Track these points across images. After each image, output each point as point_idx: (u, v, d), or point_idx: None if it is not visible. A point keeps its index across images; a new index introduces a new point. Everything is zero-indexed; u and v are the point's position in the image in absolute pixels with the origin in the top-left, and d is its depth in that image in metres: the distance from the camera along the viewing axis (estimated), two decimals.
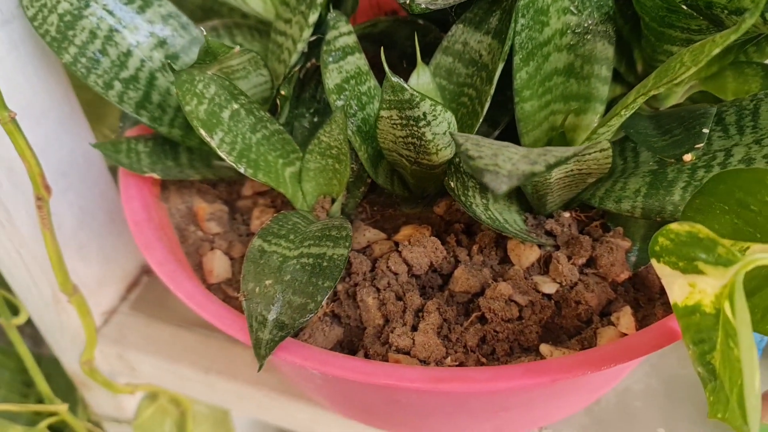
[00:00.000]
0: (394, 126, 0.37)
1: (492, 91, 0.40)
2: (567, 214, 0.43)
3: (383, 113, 0.36)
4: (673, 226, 0.31)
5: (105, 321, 0.59)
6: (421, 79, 0.41)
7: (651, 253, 0.33)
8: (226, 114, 0.38)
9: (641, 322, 0.40)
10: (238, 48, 0.37)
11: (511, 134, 0.43)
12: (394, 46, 0.47)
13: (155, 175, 0.44)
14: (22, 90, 0.45)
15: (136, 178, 0.45)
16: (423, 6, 0.33)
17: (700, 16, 0.35)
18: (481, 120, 0.41)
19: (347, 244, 0.37)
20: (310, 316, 0.34)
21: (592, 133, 0.37)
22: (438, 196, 0.46)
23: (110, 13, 0.42)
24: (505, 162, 0.28)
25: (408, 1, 0.33)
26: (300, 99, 0.45)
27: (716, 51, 0.30)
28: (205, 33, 0.35)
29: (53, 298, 0.53)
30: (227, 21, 0.50)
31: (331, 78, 0.40)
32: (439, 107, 0.35)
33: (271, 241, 0.38)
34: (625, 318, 0.39)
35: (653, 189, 0.40)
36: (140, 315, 0.60)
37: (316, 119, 0.45)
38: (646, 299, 0.42)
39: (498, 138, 0.44)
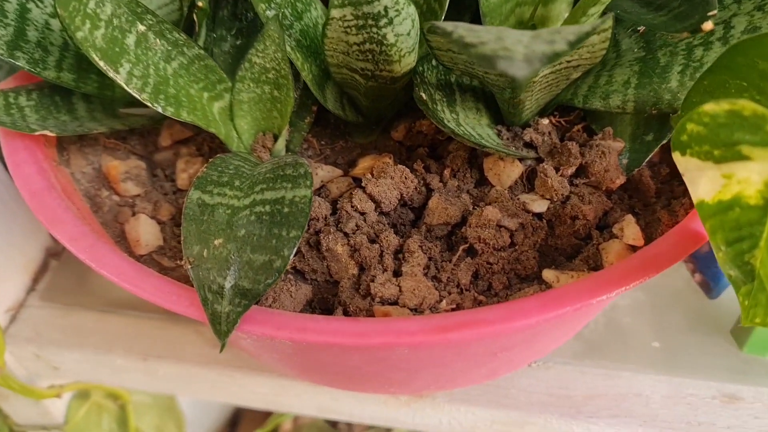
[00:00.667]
0: (348, 30, 0.30)
1: None
2: (545, 121, 0.38)
3: (334, 12, 0.29)
4: (708, 107, 0.26)
5: (12, 318, 0.50)
6: None
7: (675, 145, 0.28)
8: (130, 40, 0.30)
9: (645, 230, 0.35)
10: None
11: None
12: None
13: (48, 133, 0.35)
14: None
15: (24, 139, 0.36)
16: None
17: None
18: (442, 19, 0.34)
19: (308, 183, 0.30)
20: (278, 275, 0.28)
21: (579, 15, 0.31)
22: (393, 120, 0.40)
23: None
24: (515, 44, 0.22)
25: None
26: (217, 19, 0.37)
27: None
28: None
29: None
30: None
31: None
32: (402, 0, 0.28)
33: (212, 192, 0.30)
34: (630, 228, 0.34)
35: (645, 78, 0.35)
36: (54, 305, 0.51)
37: (239, 41, 0.37)
38: (642, 205, 0.37)
39: None
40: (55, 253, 0.53)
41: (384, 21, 0.29)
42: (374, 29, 0.29)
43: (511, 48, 0.21)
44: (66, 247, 0.32)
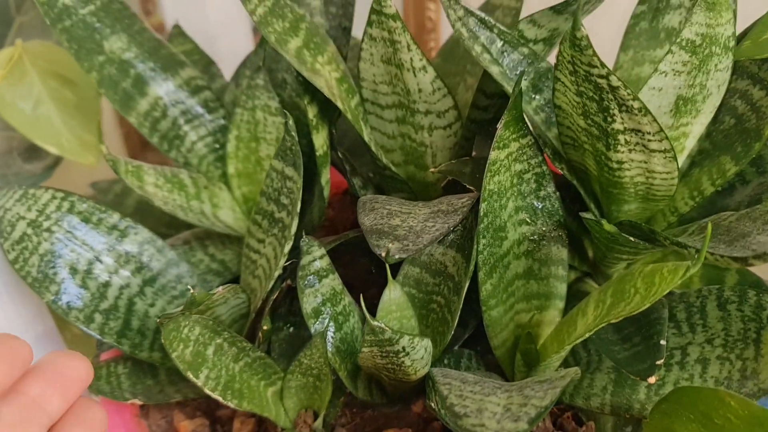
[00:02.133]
0: (375, 357, 0.39)
1: (461, 304, 0.42)
2: None
3: (365, 350, 0.38)
4: None
5: None
6: (393, 294, 0.43)
7: None
8: (210, 351, 0.40)
9: None
10: (219, 289, 0.39)
11: (480, 333, 0.45)
12: (362, 252, 0.50)
13: (137, 401, 0.44)
14: None
15: (117, 403, 0.45)
16: (396, 257, 0.36)
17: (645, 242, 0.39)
18: (453, 329, 0.43)
19: None
20: None
21: (564, 340, 0.40)
22: (414, 395, 0.48)
23: (90, 247, 0.44)
24: (490, 420, 0.30)
25: (384, 255, 0.36)
26: (276, 314, 0.47)
27: (670, 288, 0.33)
28: (191, 289, 0.37)
29: None
30: (198, 231, 0.52)
31: (308, 302, 0.42)
32: (416, 339, 0.37)
33: None
34: None
35: (618, 387, 0.43)
36: None
37: (292, 330, 0.47)
38: None
39: (468, 339, 0.46)
40: None
41: (402, 354, 0.38)
42: (395, 358, 0.38)
43: (487, 425, 0.30)
44: None
